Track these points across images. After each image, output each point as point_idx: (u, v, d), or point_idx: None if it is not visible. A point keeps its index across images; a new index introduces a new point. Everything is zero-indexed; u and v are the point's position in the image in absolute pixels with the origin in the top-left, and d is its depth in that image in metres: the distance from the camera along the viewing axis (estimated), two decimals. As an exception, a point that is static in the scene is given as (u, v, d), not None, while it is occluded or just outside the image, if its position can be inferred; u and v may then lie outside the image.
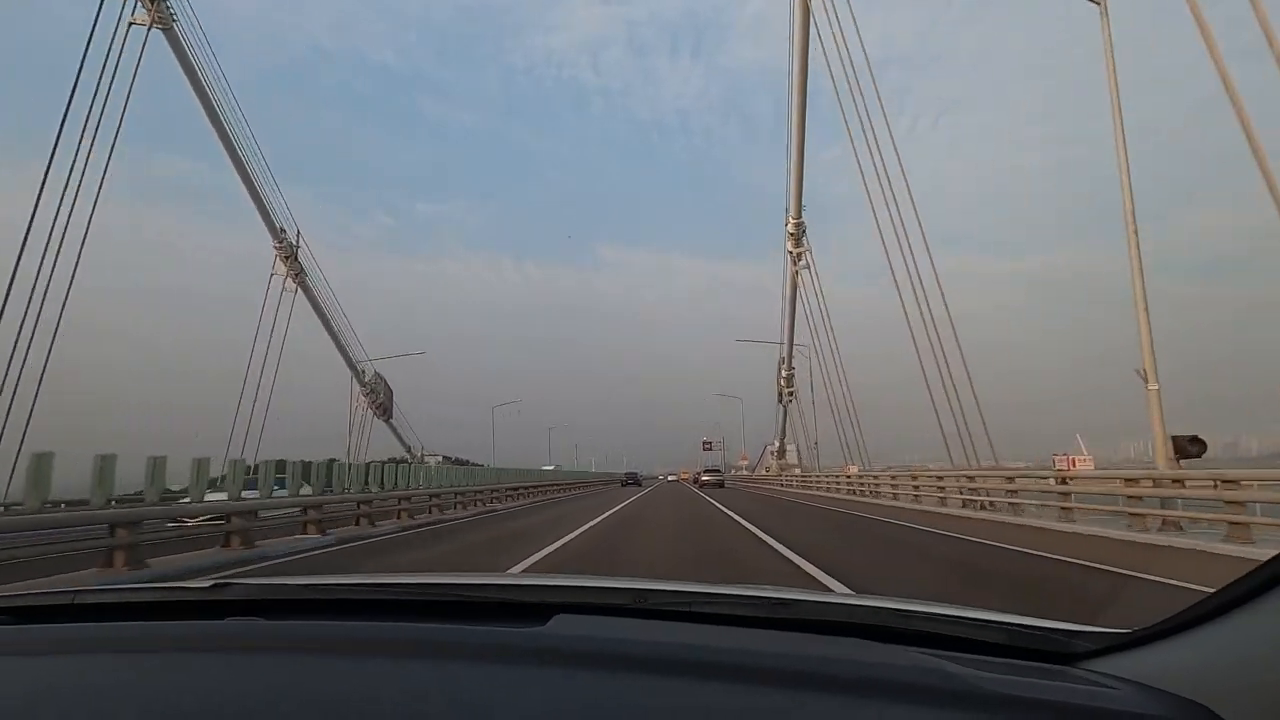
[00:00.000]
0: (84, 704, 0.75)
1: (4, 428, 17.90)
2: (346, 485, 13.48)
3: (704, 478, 46.70)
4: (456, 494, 19.20)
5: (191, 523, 11.54)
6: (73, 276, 18.93)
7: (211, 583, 1.11)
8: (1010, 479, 14.23)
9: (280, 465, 12.68)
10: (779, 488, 36.47)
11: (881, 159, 19.85)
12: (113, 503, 8.38)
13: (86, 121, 18.94)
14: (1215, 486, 9.04)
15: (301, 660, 0.84)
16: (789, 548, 9.14)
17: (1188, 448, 11.29)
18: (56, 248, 18.43)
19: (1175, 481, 10.07)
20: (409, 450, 40.96)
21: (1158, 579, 6.65)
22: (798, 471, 41.80)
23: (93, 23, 19.27)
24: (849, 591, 5.89)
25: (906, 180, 19.60)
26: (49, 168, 18.51)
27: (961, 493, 15.91)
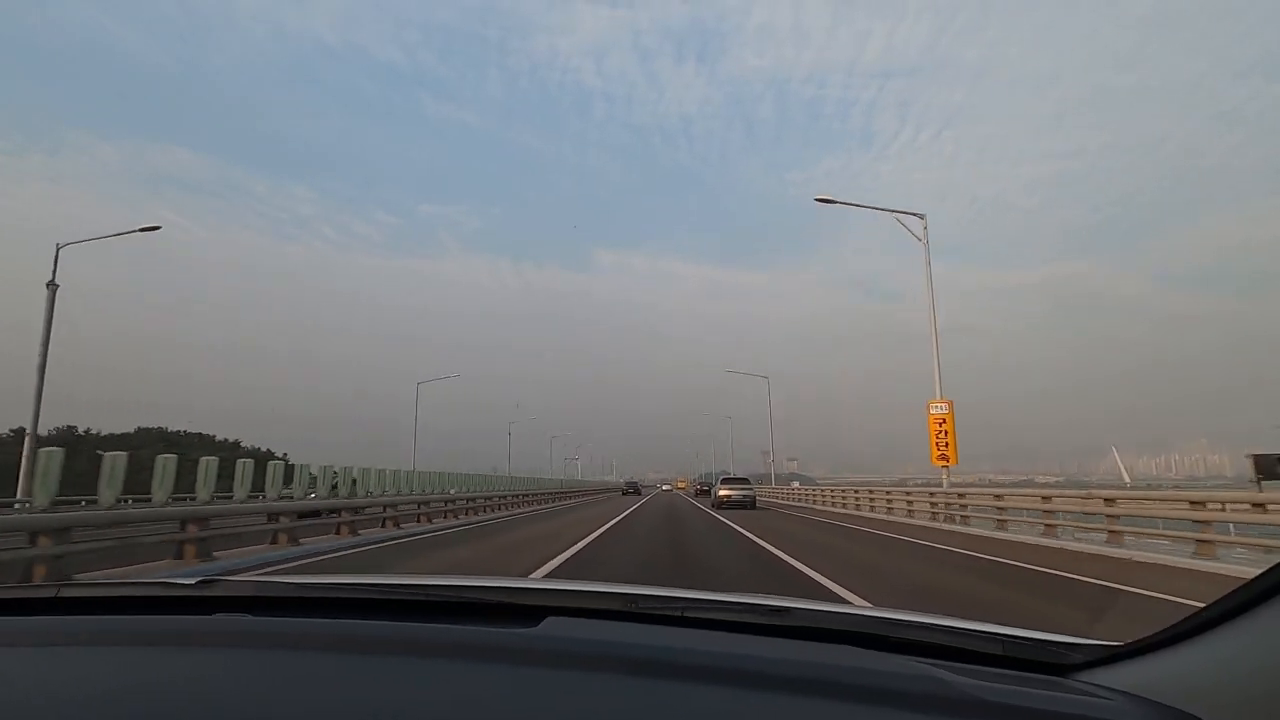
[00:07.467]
0: (69, 697, 0.74)
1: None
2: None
3: (722, 491, 28.20)
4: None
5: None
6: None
7: (199, 579, 1.10)
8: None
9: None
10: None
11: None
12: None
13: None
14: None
15: (289, 657, 0.83)
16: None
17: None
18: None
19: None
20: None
21: None
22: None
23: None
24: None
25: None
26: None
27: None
